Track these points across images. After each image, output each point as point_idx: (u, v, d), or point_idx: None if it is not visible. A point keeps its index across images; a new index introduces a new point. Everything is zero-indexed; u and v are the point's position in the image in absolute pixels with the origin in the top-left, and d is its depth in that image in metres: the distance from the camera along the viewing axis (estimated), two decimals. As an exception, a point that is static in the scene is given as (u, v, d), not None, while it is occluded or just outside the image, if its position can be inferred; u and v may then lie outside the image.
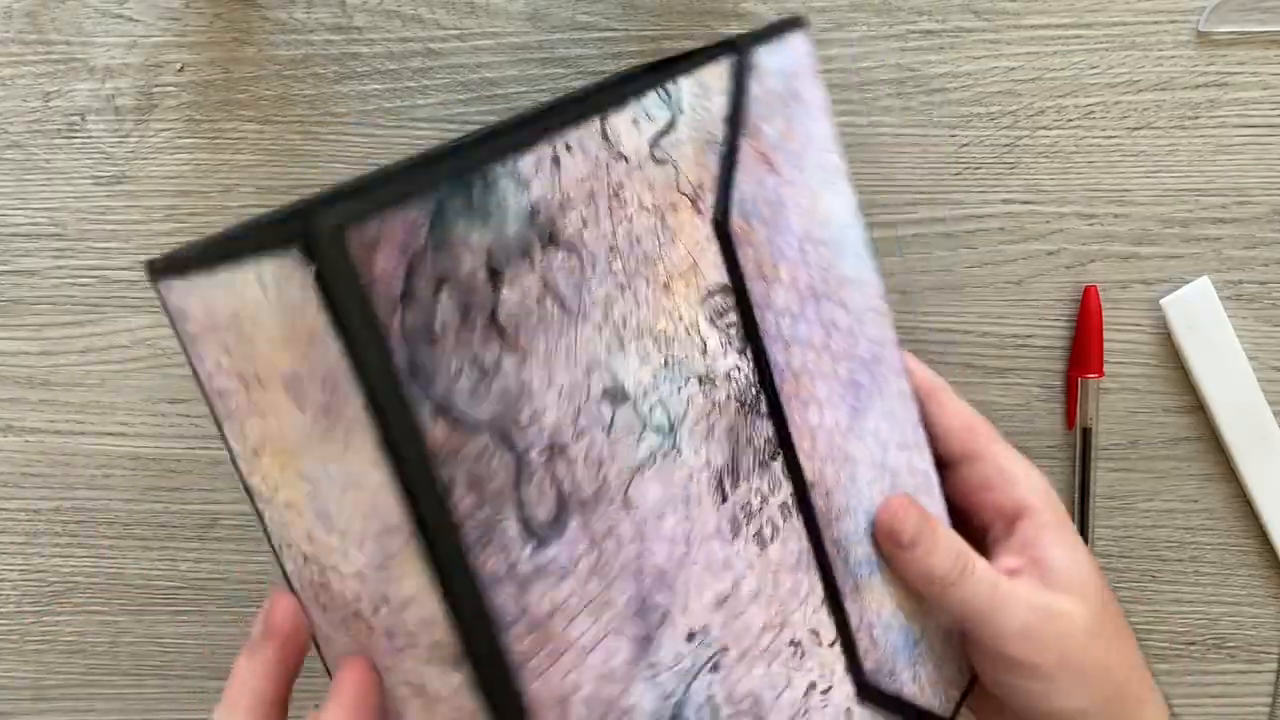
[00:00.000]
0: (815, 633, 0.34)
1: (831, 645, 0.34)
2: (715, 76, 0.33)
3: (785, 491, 0.33)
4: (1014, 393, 0.49)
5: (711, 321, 0.32)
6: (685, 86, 0.32)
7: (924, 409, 0.40)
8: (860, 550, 0.36)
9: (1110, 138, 0.46)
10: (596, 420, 0.28)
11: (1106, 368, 0.48)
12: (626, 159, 0.29)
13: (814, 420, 0.35)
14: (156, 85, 0.46)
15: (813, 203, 0.36)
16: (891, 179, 0.46)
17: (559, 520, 0.26)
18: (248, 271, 0.24)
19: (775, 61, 0.35)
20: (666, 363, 0.30)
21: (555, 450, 0.27)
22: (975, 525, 0.40)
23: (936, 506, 0.40)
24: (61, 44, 0.45)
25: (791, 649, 0.33)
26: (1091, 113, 0.46)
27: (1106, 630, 0.37)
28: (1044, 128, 0.46)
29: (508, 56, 0.45)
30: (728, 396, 0.32)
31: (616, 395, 0.28)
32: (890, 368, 0.38)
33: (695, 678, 0.30)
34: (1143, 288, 0.47)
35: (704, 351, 0.31)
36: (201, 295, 0.26)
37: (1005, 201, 0.47)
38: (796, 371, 0.35)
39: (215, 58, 0.45)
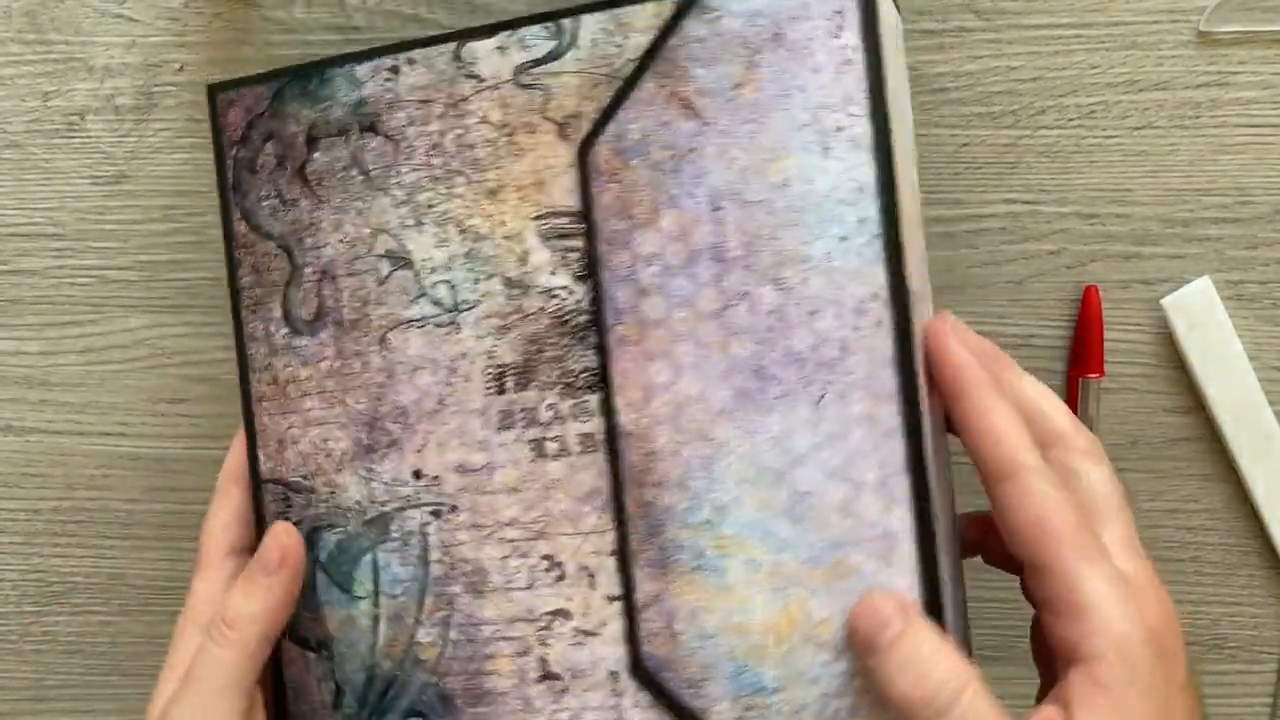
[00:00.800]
0: (590, 573, 0.35)
1: (611, 600, 0.35)
2: (645, 16, 0.34)
3: (595, 425, 0.34)
4: (1014, 393, 0.49)
5: (544, 239, 0.35)
6: (588, 23, 0.34)
7: (1000, 493, 0.32)
8: (686, 536, 0.34)
9: (1111, 137, 0.46)
10: (372, 270, 0.36)
11: (1107, 368, 0.48)
12: (479, 78, 0.35)
13: (657, 377, 0.34)
14: (156, 85, 0.46)
15: (760, 160, 0.33)
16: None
17: (315, 324, 0.37)
18: None
19: (750, 2, 0.33)
20: (469, 254, 0.35)
21: (326, 275, 0.37)
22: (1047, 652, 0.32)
23: (901, 582, 0.32)
24: (61, 43, 0.45)
25: (546, 563, 0.35)
26: (1093, 112, 0.46)
27: None
28: (1045, 127, 0.46)
29: (507, 56, 0.45)
30: (541, 309, 0.35)
31: (398, 259, 0.36)
32: (862, 384, 0.33)
33: (412, 507, 0.36)
34: (1143, 288, 0.47)
35: (522, 261, 0.35)
36: None
37: (1006, 201, 0.47)
38: (647, 321, 0.34)
39: (214, 57, 0.45)
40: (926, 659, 0.30)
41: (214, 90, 0.38)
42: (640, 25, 0.34)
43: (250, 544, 0.38)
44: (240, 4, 0.45)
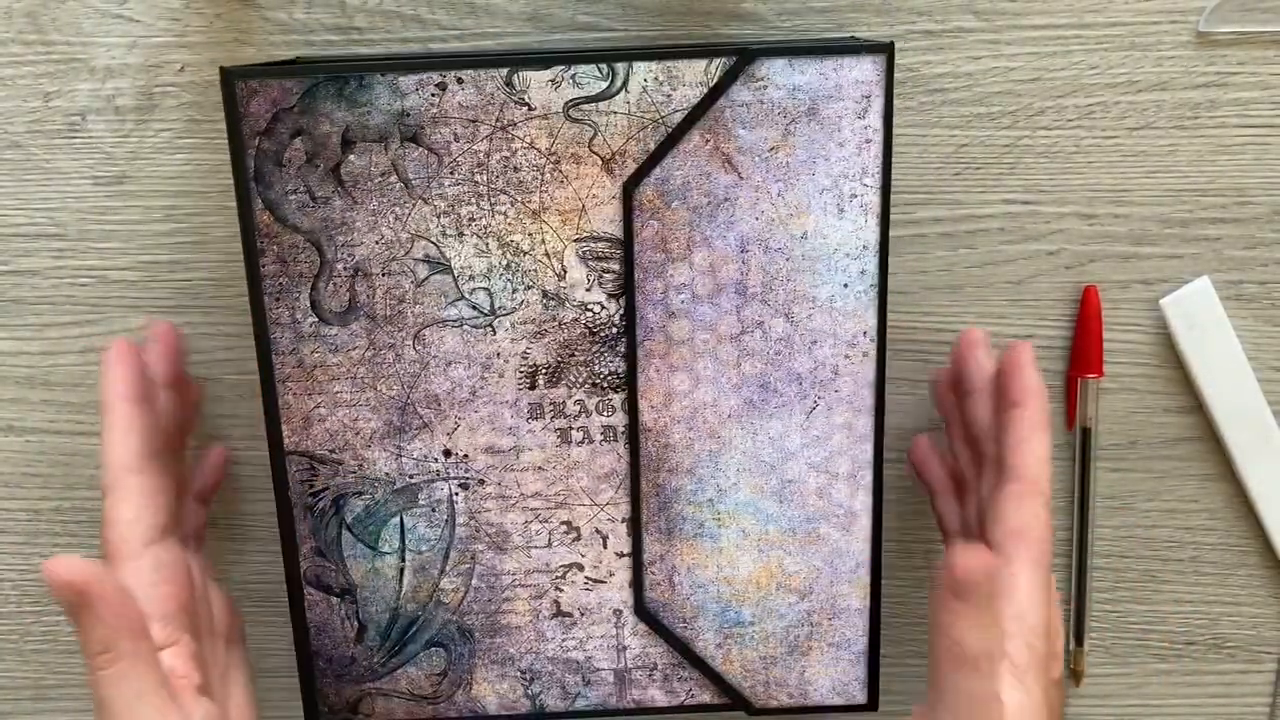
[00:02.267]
0: (602, 535, 0.43)
1: (620, 556, 0.43)
2: (696, 71, 0.38)
3: (617, 419, 0.42)
4: (1014, 393, 0.49)
5: (582, 259, 0.40)
6: (640, 70, 0.38)
7: (1004, 493, 0.39)
8: (691, 511, 0.43)
9: (1110, 138, 0.46)
10: (408, 272, 0.40)
11: (1106, 368, 0.48)
12: (529, 106, 0.38)
13: (678, 386, 0.41)
14: (157, 85, 0.46)
15: (785, 214, 0.39)
16: (891, 179, 0.46)
17: (347, 315, 0.40)
18: None
19: (794, 78, 0.38)
20: (509, 266, 0.40)
21: (360, 272, 0.40)
22: None
23: (856, 545, 0.43)
24: (62, 44, 0.45)
25: (564, 528, 0.43)
26: (1091, 113, 0.46)
27: None
28: (1044, 128, 0.46)
29: (508, 57, 0.45)
30: (575, 319, 0.41)
31: (436, 264, 0.40)
32: (847, 400, 0.42)
33: (439, 480, 0.42)
34: (1142, 288, 0.47)
35: (560, 276, 0.40)
36: None
37: (1005, 202, 0.47)
38: (673, 338, 0.41)
39: (215, 58, 0.45)
40: (1000, 617, 0.37)
41: (230, 75, 0.38)
42: (689, 80, 0.38)
43: (165, 522, 0.40)
44: (241, 5, 0.45)
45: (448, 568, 0.43)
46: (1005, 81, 0.45)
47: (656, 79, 0.38)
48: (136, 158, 0.46)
